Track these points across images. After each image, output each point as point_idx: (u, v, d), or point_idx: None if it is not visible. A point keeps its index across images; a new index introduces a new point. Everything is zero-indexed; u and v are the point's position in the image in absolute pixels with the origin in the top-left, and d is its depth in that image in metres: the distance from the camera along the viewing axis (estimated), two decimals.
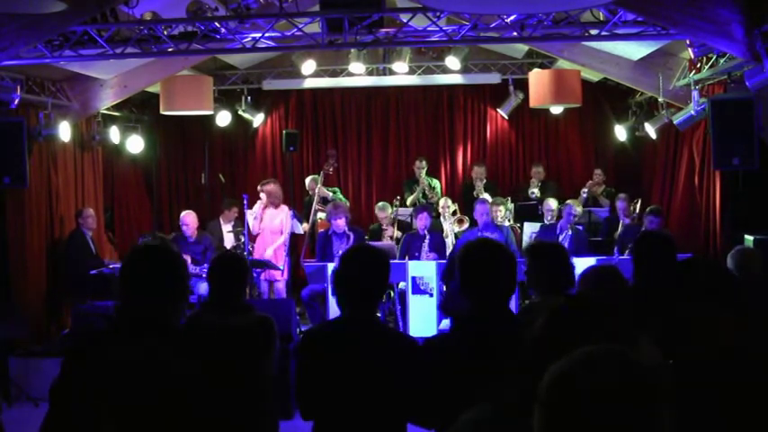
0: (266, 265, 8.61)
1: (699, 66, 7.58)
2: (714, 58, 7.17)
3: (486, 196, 9.83)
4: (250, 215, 8.96)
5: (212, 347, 2.83)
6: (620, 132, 10.46)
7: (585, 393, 1.31)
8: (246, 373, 3.60)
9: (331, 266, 7.83)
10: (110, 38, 6.84)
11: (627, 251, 7.65)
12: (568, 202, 8.99)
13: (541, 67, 10.26)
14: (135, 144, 10.22)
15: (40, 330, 8.26)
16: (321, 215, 9.68)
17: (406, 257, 8.53)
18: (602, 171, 10.53)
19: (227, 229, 9.93)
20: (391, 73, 10.44)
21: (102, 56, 7.03)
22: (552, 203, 9.26)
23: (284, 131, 10.04)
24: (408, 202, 10.37)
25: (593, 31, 6.83)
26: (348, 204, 9.87)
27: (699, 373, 2.46)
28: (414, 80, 10.74)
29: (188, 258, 8.42)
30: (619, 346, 1.39)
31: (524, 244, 8.92)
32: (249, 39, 7.06)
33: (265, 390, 3.74)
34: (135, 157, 10.62)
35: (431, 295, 7.91)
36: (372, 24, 6.70)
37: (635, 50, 8.17)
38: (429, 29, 6.98)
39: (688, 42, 7.24)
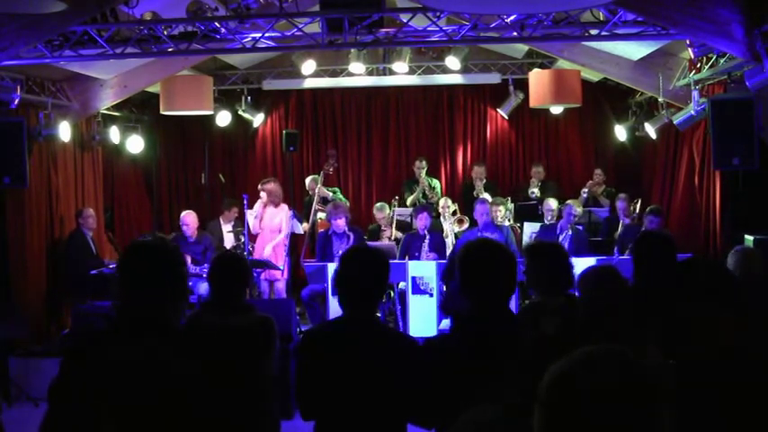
0: (266, 265, 8.61)
1: (699, 66, 7.58)
2: (714, 58, 7.17)
3: (486, 196, 9.83)
4: (250, 215, 8.96)
5: (212, 347, 2.83)
6: (620, 132, 10.46)
7: (585, 393, 1.31)
8: (247, 373, 3.60)
9: (331, 266, 7.84)
10: (110, 38, 6.84)
11: (627, 251, 7.65)
12: (568, 202, 8.99)
13: (541, 67, 10.26)
14: (135, 144, 10.22)
15: (40, 330, 8.26)
16: (321, 215, 9.68)
17: (406, 257, 8.53)
18: (602, 171, 10.53)
19: (227, 229, 9.94)
20: (391, 73, 10.44)
21: (102, 56, 7.03)
22: (552, 203, 9.26)
23: (284, 131, 10.03)
24: (408, 202, 10.37)
25: (593, 31, 6.83)
26: (348, 204, 9.87)
27: (699, 373, 2.46)
28: (414, 80, 10.74)
29: (188, 258, 8.42)
30: (619, 346, 1.39)
31: (524, 244, 8.92)
32: (249, 39, 7.06)
33: (265, 390, 3.75)
34: (135, 157, 10.62)
35: (431, 295, 7.91)
36: (372, 24, 6.70)
37: (635, 50, 8.17)
38: (429, 29, 6.98)
39: (688, 42, 7.24)
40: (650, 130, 9.25)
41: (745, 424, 2.37)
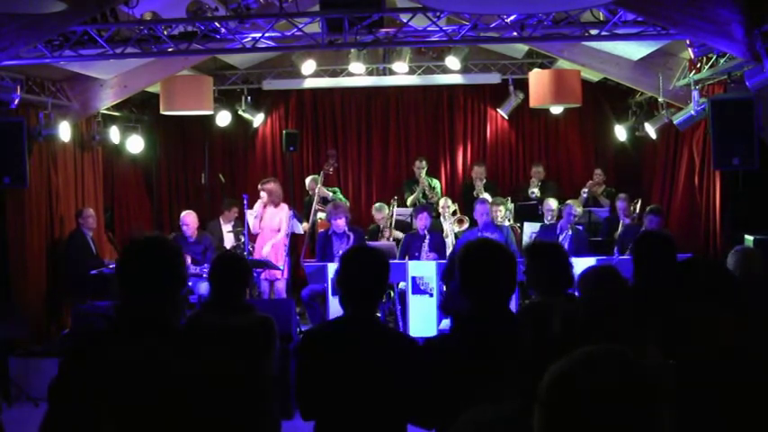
0: (266, 265, 8.62)
1: (699, 66, 7.58)
2: (714, 58, 7.17)
3: (487, 196, 9.83)
4: (250, 215, 8.97)
5: (212, 347, 2.82)
6: (620, 132, 10.46)
7: (585, 393, 1.31)
8: (247, 373, 3.60)
9: (331, 266, 7.84)
10: (110, 38, 6.84)
11: (627, 251, 7.65)
12: (568, 202, 8.99)
13: (541, 67, 10.26)
14: (135, 144, 10.22)
15: (40, 330, 8.26)
16: (321, 215, 9.69)
17: (406, 257, 8.53)
18: (602, 171, 10.53)
19: (227, 229, 9.94)
20: (391, 73, 10.44)
21: (102, 56, 7.03)
22: (552, 203, 9.26)
23: (284, 131, 10.04)
24: (408, 202, 10.37)
25: (593, 31, 6.83)
26: (348, 204, 9.87)
27: (699, 373, 2.46)
28: (414, 80, 10.74)
29: (188, 258, 8.42)
30: (619, 346, 1.39)
31: (524, 244, 8.92)
32: (249, 39, 7.06)
33: (265, 390, 3.75)
34: (135, 157, 10.62)
35: (431, 295, 7.91)
36: (372, 24, 6.70)
37: (635, 50, 8.17)
38: (429, 29, 6.98)
39: (688, 42, 7.24)
40: (650, 130, 9.25)
41: (745, 424, 2.37)
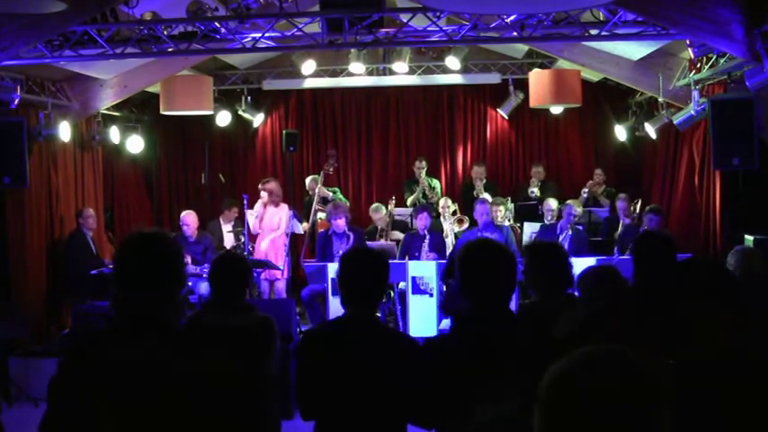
0: (266, 265, 8.62)
1: (699, 66, 7.58)
2: (714, 58, 7.17)
3: (487, 196, 9.83)
4: (251, 215, 8.97)
5: (213, 347, 2.82)
6: (620, 132, 10.46)
7: (585, 393, 1.31)
8: (247, 373, 3.60)
9: (331, 266, 7.84)
10: (110, 38, 6.84)
11: (627, 251, 7.65)
12: (568, 202, 8.99)
13: (541, 67, 10.26)
14: (135, 144, 10.22)
15: (40, 330, 8.26)
16: (321, 215, 9.69)
17: (406, 257, 8.53)
18: (602, 171, 10.53)
19: (227, 229, 9.94)
20: (391, 73, 10.44)
21: (102, 56, 7.03)
22: (552, 203, 9.26)
23: (284, 131, 10.04)
24: (408, 203, 10.38)
25: (593, 31, 6.83)
26: (348, 204, 9.87)
27: (699, 373, 2.46)
28: (414, 80, 10.74)
29: (188, 258, 8.42)
30: (619, 346, 1.39)
31: (524, 244, 8.92)
32: (249, 39, 7.06)
33: (266, 390, 3.75)
34: (135, 157, 10.62)
35: (431, 295, 7.91)
36: (372, 24, 6.70)
37: (635, 50, 8.17)
38: (429, 29, 6.98)
39: (688, 42, 7.24)
40: (650, 130, 9.25)
41: (745, 424, 2.37)
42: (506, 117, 11.35)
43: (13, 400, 7.12)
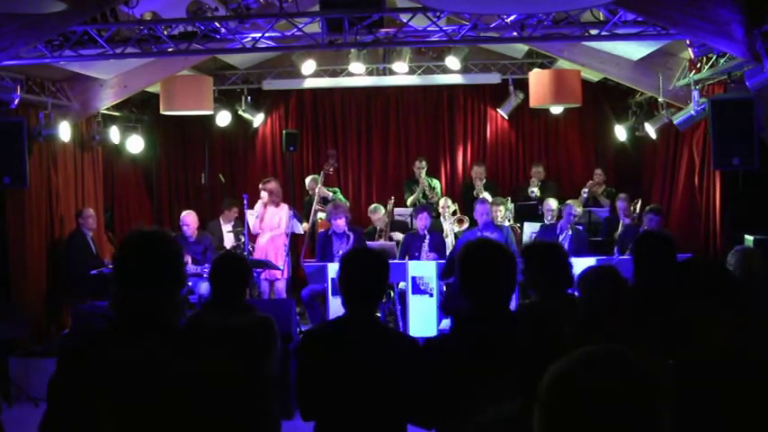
0: (266, 265, 8.62)
1: (699, 66, 7.58)
2: (714, 58, 7.17)
3: (487, 196, 9.83)
4: (251, 215, 8.97)
5: (213, 347, 2.82)
6: (620, 132, 10.46)
7: (585, 393, 1.31)
8: (247, 373, 3.60)
9: (331, 266, 7.84)
10: (110, 38, 6.84)
11: (627, 251, 7.65)
12: (568, 202, 8.99)
13: (541, 67, 10.26)
14: (135, 144, 10.22)
15: (40, 330, 8.26)
16: (321, 215, 9.69)
17: (406, 257, 8.53)
18: (602, 171, 10.53)
19: (227, 229, 9.94)
20: (391, 73, 10.44)
21: (102, 56, 7.03)
22: (552, 203, 9.26)
23: (284, 131, 10.04)
24: (408, 203, 10.38)
25: (593, 31, 6.83)
26: (348, 204, 9.87)
27: (699, 373, 2.46)
28: (414, 80, 10.74)
29: (188, 258, 8.42)
30: (619, 346, 1.39)
31: (524, 244, 8.92)
32: (249, 39, 7.06)
33: (266, 390, 3.75)
34: (135, 157, 10.62)
35: (431, 295, 7.91)
36: (372, 24, 6.70)
37: (635, 50, 8.17)
38: (429, 29, 6.98)
39: (688, 42, 7.24)
40: (650, 130, 9.25)
41: (745, 424, 2.37)
42: (506, 117, 11.35)
43: (13, 400, 7.12)
